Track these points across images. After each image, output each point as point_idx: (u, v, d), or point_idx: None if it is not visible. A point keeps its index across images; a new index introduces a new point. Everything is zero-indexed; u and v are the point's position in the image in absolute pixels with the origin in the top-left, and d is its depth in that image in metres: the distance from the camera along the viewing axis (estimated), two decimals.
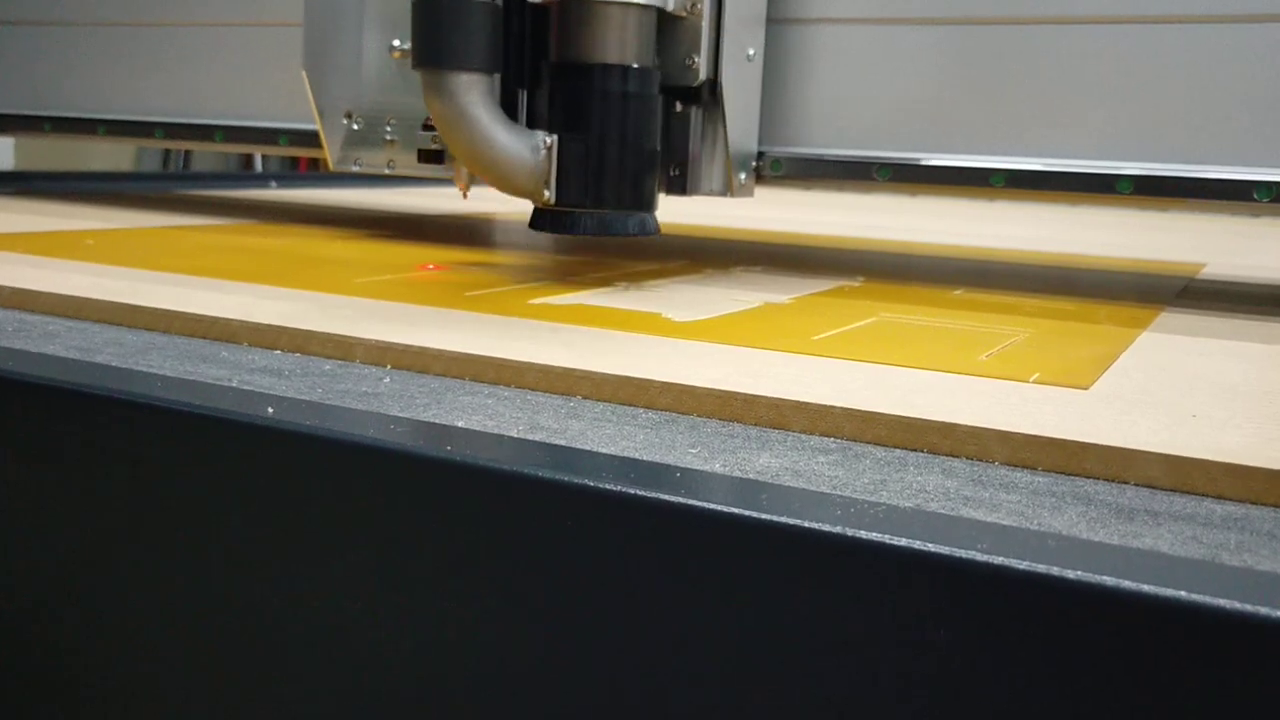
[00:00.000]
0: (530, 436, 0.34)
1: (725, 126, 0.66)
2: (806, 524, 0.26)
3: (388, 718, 0.32)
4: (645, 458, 0.33)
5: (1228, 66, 0.60)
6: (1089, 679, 0.24)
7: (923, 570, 0.25)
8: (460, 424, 0.35)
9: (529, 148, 0.59)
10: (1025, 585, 0.24)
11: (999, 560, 0.25)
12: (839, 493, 0.30)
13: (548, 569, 0.29)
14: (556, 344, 0.44)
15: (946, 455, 0.35)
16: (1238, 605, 0.23)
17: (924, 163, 0.67)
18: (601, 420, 0.37)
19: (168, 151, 2.52)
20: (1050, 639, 0.24)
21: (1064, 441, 0.34)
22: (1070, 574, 0.24)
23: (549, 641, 0.30)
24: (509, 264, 0.72)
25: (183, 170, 2.46)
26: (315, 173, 1.90)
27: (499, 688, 0.30)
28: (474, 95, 0.57)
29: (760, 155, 0.70)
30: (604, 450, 0.33)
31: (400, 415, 0.35)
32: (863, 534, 0.26)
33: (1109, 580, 0.24)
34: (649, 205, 0.61)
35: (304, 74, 0.70)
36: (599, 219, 0.59)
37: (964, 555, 0.25)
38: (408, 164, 0.71)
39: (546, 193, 0.59)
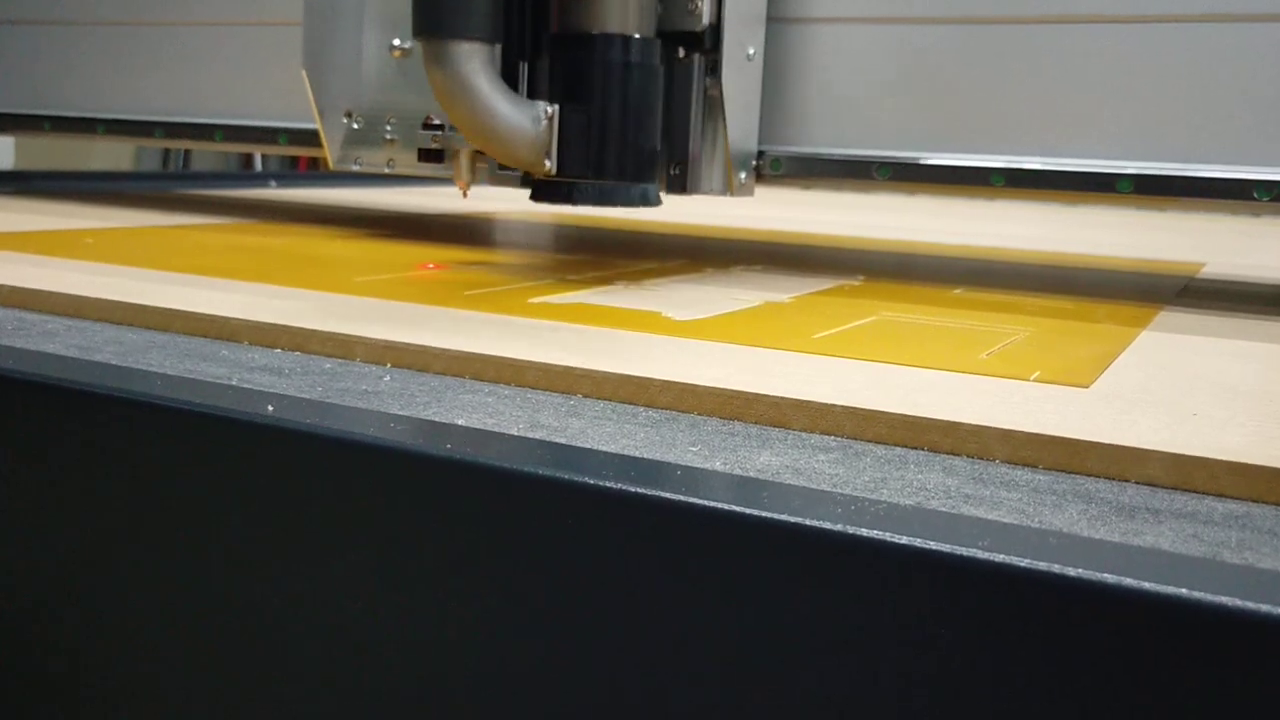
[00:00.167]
0: (530, 435, 0.34)
1: (725, 125, 0.66)
2: (807, 522, 0.26)
3: (388, 718, 0.32)
4: (645, 456, 0.33)
5: (1228, 66, 0.60)
6: (1090, 677, 0.24)
7: (923, 568, 0.25)
8: (460, 422, 0.35)
9: (530, 118, 0.58)
10: (1026, 583, 0.24)
11: (1000, 558, 0.25)
12: (840, 491, 0.30)
13: (548, 567, 0.29)
14: (556, 343, 0.44)
15: (947, 453, 0.35)
16: (1239, 603, 0.23)
17: (924, 162, 0.67)
18: (602, 418, 0.37)
19: (167, 151, 2.52)
20: (1051, 637, 0.24)
21: (1065, 440, 0.34)
22: (1071, 572, 0.24)
23: (549, 640, 0.30)
24: (509, 263, 0.72)
25: (182, 170, 2.46)
26: (315, 172, 1.90)
27: (499, 687, 0.30)
28: (475, 64, 0.57)
29: (760, 154, 0.70)
30: (604, 448, 0.33)
31: (400, 413, 0.35)
32: (863, 532, 0.26)
33: (1110, 578, 0.24)
34: (650, 176, 0.61)
35: (304, 73, 0.70)
36: (600, 189, 0.59)
37: (965, 553, 0.25)
38: (408, 163, 0.71)
39: (547, 163, 0.59)
